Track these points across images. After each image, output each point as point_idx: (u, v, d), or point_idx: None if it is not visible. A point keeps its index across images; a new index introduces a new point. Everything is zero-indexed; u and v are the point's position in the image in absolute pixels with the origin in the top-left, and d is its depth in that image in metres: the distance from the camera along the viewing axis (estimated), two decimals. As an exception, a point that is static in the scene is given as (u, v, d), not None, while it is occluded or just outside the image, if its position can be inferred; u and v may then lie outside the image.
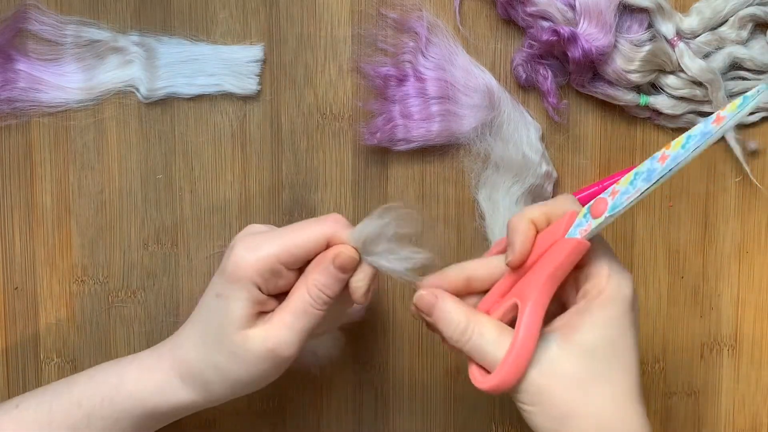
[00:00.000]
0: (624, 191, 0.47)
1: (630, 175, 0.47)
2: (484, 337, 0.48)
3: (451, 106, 0.61)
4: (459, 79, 0.61)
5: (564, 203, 0.50)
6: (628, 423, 0.47)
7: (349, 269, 0.50)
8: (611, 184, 0.63)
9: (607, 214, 0.47)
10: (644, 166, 0.46)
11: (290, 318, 0.50)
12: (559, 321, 0.49)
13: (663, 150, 0.45)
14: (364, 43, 0.62)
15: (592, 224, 0.47)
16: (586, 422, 0.47)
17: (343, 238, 0.50)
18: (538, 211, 0.50)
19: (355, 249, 0.50)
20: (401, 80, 0.61)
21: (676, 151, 0.45)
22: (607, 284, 0.48)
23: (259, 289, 0.50)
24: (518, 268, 0.49)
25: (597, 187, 0.63)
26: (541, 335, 0.48)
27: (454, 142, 0.62)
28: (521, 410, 0.49)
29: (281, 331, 0.50)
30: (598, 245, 0.49)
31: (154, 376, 0.53)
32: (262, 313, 0.51)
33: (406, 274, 0.50)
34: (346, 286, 0.51)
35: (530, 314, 0.47)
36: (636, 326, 0.49)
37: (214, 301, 0.51)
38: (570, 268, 0.48)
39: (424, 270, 0.51)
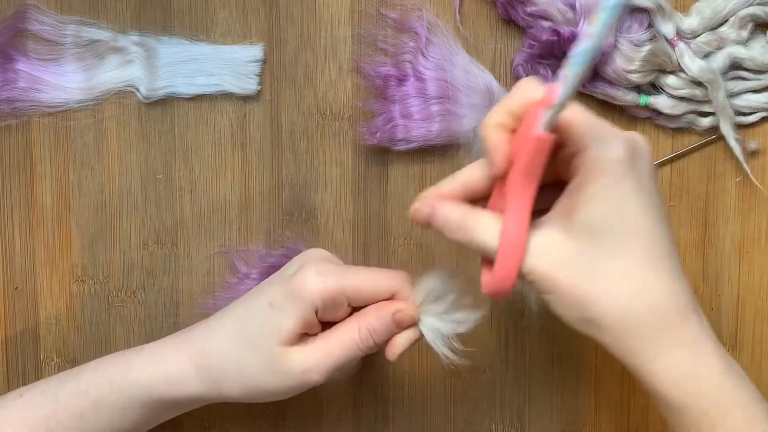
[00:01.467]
0: (568, 74, 0.43)
1: (570, 59, 0.43)
2: (485, 231, 0.46)
3: (451, 106, 0.61)
4: (459, 79, 0.61)
5: (524, 92, 0.46)
6: (651, 294, 0.44)
7: (404, 327, 0.52)
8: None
9: (559, 101, 0.43)
10: (577, 49, 0.42)
11: (334, 348, 0.51)
12: (557, 205, 0.46)
13: (588, 30, 0.42)
14: (364, 43, 0.62)
15: (546, 115, 0.43)
16: (603, 304, 0.44)
17: (410, 297, 0.52)
18: (502, 112, 0.46)
19: (416, 312, 0.52)
20: (401, 80, 0.61)
21: (597, 27, 0.41)
22: (590, 153, 0.44)
23: (315, 313, 0.51)
24: (504, 176, 0.47)
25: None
26: (541, 222, 0.45)
27: (454, 142, 0.62)
28: (545, 302, 0.47)
29: (321, 358, 0.51)
30: (578, 119, 0.45)
31: (166, 365, 0.53)
32: (305, 335, 0.52)
33: (448, 347, 0.51)
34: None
35: (510, 212, 0.45)
36: (645, 188, 0.45)
37: (264, 307, 0.52)
38: (543, 161, 0.45)
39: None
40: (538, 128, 0.44)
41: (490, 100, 0.61)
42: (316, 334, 0.53)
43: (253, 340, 0.51)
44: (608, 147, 0.44)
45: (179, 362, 0.53)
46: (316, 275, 0.51)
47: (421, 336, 0.52)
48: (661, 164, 0.63)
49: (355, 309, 0.53)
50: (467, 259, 0.59)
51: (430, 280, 0.52)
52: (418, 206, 0.49)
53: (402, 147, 0.62)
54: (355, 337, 0.51)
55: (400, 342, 0.52)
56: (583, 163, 0.45)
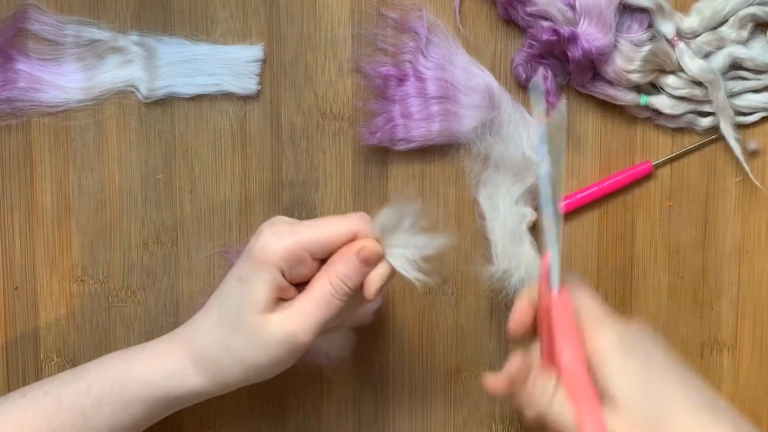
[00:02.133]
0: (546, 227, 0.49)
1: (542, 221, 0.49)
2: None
3: (451, 106, 0.61)
4: (459, 79, 0.61)
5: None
6: None
7: (372, 263, 0.51)
8: (611, 184, 0.63)
9: (551, 255, 0.48)
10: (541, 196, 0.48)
11: (311, 306, 0.51)
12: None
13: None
14: (364, 42, 0.62)
15: (550, 272, 0.48)
16: None
17: (369, 233, 0.51)
18: (527, 295, 0.52)
19: (379, 243, 0.51)
20: (401, 80, 0.61)
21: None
22: (595, 341, 0.48)
23: (283, 275, 0.51)
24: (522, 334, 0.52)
25: (595, 187, 0.63)
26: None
27: (454, 142, 0.62)
28: None
29: (301, 318, 0.51)
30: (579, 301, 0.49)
31: (166, 361, 0.53)
32: (281, 300, 0.52)
33: (419, 274, 0.51)
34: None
35: (583, 412, 0.47)
36: (653, 353, 0.49)
37: (235, 284, 0.52)
38: (572, 319, 0.49)
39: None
40: (550, 291, 0.48)
41: (489, 100, 0.61)
42: (293, 298, 0.52)
43: (233, 319, 0.51)
44: (604, 335, 0.49)
45: (178, 358, 0.53)
46: (272, 237, 0.51)
47: (392, 269, 0.51)
48: (661, 164, 0.63)
49: (323, 262, 0.52)
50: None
51: (385, 212, 0.51)
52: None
53: (402, 147, 0.62)
54: (329, 289, 0.51)
55: (374, 279, 0.51)
56: (590, 347, 0.48)
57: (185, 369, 0.53)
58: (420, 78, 0.61)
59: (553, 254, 0.48)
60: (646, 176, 0.63)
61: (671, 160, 0.64)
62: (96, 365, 0.55)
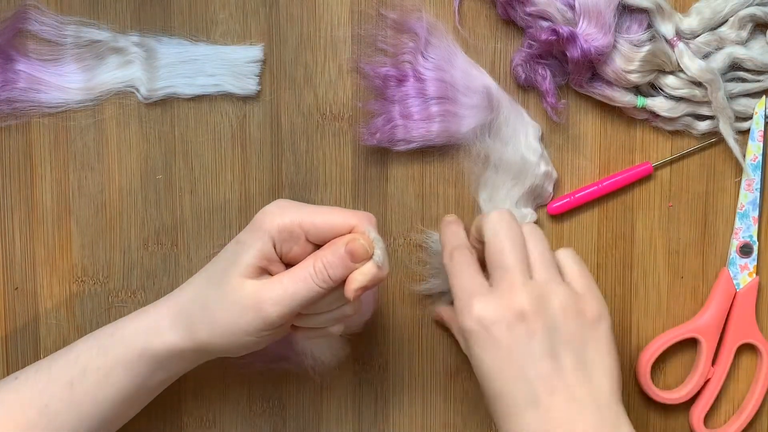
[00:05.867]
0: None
1: None
2: None
3: (450, 107, 0.61)
4: (458, 80, 0.61)
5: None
6: None
7: (357, 258, 0.51)
8: (611, 184, 0.63)
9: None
10: None
11: (287, 280, 0.51)
12: None
13: None
14: (364, 43, 0.62)
15: None
16: None
17: (364, 230, 0.51)
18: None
19: (371, 244, 0.51)
20: (401, 80, 0.61)
21: None
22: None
23: (274, 248, 0.52)
24: None
25: (595, 187, 0.63)
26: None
27: (453, 142, 0.62)
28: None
29: (274, 289, 0.51)
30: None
31: (146, 318, 0.54)
32: (266, 273, 0.53)
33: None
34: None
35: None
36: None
37: (231, 246, 0.54)
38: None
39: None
40: None
41: (488, 102, 0.61)
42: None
43: (217, 276, 0.53)
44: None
45: (157, 314, 0.54)
46: (275, 208, 0.53)
47: (378, 275, 0.51)
48: (661, 165, 0.64)
49: (317, 249, 0.53)
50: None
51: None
52: None
53: (402, 147, 0.62)
54: (309, 270, 0.51)
55: (356, 276, 0.51)
56: None
57: (161, 323, 0.54)
58: (419, 78, 0.61)
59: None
60: (646, 177, 0.63)
61: (671, 162, 0.64)
62: (86, 336, 0.56)
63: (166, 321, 0.54)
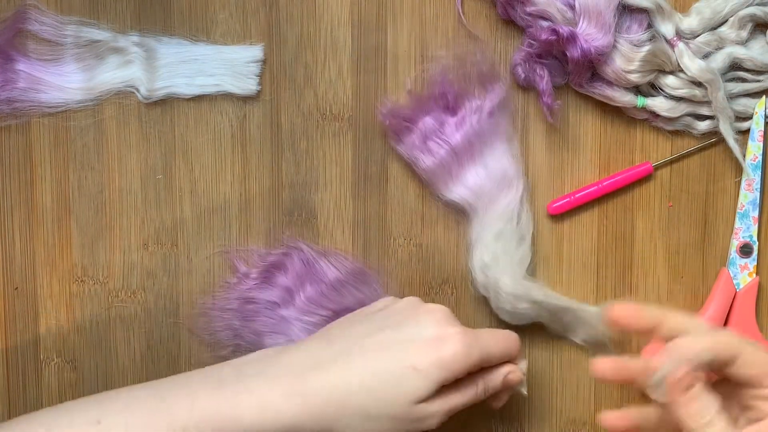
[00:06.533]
0: None
1: None
2: None
3: (459, 167, 0.61)
4: (487, 157, 0.62)
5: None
6: None
7: (512, 387, 0.58)
8: (611, 184, 0.63)
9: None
10: None
11: (456, 398, 0.54)
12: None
13: None
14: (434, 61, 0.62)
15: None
16: None
17: (520, 363, 0.58)
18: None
19: (522, 375, 0.58)
20: (451, 110, 0.62)
21: None
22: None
23: None
24: None
25: (595, 187, 0.63)
26: None
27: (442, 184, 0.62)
28: None
29: (442, 407, 0.54)
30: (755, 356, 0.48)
31: (281, 416, 0.52)
32: None
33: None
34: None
35: None
36: None
37: (407, 370, 0.52)
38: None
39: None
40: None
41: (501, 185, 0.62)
42: None
43: (387, 396, 0.52)
44: None
45: (293, 412, 0.52)
46: (465, 348, 0.53)
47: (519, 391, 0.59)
48: (661, 165, 0.63)
49: None
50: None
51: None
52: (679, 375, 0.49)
53: (401, 149, 0.62)
54: (477, 391, 0.55)
55: (504, 396, 0.59)
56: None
57: (301, 424, 0.52)
58: (461, 124, 0.61)
59: None
60: (646, 177, 0.63)
61: (671, 162, 0.64)
62: (188, 405, 0.51)
63: (306, 421, 0.52)
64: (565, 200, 0.63)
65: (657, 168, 0.63)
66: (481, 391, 0.56)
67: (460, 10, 0.62)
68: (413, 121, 0.61)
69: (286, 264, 0.62)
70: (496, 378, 0.56)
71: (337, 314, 0.61)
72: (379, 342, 0.54)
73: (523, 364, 0.58)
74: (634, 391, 0.64)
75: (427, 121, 0.61)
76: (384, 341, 0.54)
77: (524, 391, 0.59)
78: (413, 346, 0.53)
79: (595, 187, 0.63)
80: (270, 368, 0.53)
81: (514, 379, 0.57)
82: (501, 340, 0.56)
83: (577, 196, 0.63)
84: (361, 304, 0.61)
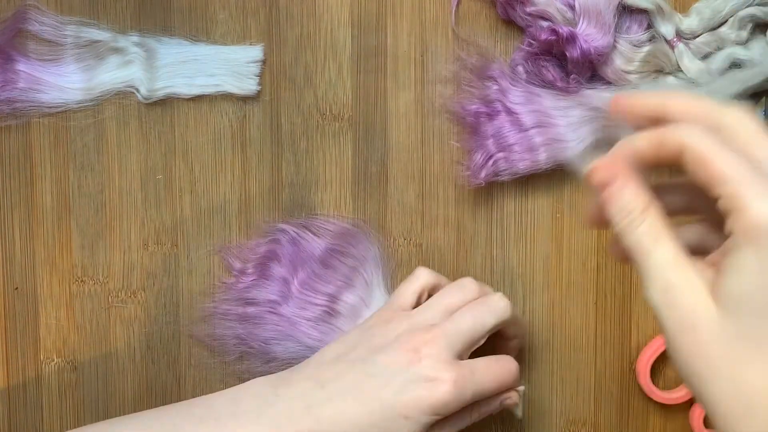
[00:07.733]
0: None
1: None
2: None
3: (552, 134, 0.60)
4: (549, 106, 0.61)
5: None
6: None
7: (506, 409, 0.58)
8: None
9: None
10: None
11: (449, 426, 0.55)
12: (710, 261, 0.40)
13: None
14: (444, 80, 0.62)
15: None
16: (735, 408, 0.37)
17: (517, 390, 0.57)
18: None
19: (519, 401, 0.58)
20: (492, 116, 0.61)
21: None
22: (748, 212, 0.36)
23: None
24: None
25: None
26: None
27: (562, 167, 0.61)
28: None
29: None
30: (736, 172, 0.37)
31: None
32: None
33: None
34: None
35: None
36: None
37: (398, 419, 0.52)
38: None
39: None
40: None
41: (593, 108, 0.60)
42: None
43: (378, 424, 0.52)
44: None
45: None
46: (458, 391, 0.52)
47: (514, 412, 0.59)
48: (661, 164, 0.63)
49: None
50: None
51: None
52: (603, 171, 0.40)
53: (507, 178, 0.61)
54: (469, 419, 0.56)
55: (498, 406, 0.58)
56: (736, 217, 0.37)
57: None
58: (510, 112, 0.61)
59: None
60: (646, 176, 0.63)
61: (671, 161, 0.64)
62: None
63: None
64: (565, 200, 0.63)
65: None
66: (475, 418, 0.56)
67: (454, 17, 0.62)
68: (489, 153, 0.61)
69: (277, 252, 0.62)
70: (491, 407, 0.57)
71: (334, 298, 0.61)
72: (372, 387, 0.53)
73: (520, 388, 0.58)
74: (634, 391, 0.65)
75: (490, 142, 0.61)
76: (378, 385, 0.53)
77: (519, 413, 0.58)
78: (405, 393, 0.52)
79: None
80: (268, 409, 0.53)
81: (510, 404, 0.57)
82: (498, 373, 0.55)
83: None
84: (355, 269, 0.61)
